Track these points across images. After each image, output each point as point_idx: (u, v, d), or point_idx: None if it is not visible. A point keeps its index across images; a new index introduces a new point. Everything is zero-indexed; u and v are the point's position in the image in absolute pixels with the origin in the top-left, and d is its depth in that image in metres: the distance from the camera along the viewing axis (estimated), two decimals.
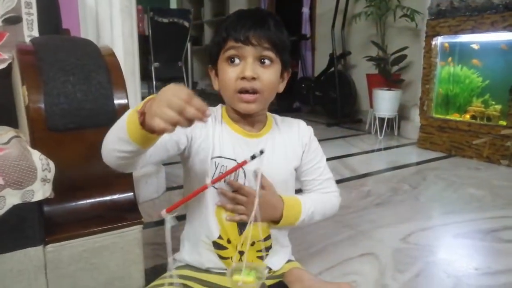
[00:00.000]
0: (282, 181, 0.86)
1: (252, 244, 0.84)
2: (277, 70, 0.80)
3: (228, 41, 0.77)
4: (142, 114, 0.58)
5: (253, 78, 0.75)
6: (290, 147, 0.88)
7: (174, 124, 0.54)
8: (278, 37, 0.77)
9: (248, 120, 0.83)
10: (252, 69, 0.75)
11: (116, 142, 0.64)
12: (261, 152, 0.51)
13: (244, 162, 0.55)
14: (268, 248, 0.87)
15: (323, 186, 0.91)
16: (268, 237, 0.87)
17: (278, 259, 0.90)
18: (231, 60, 0.77)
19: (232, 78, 0.77)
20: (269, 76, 0.78)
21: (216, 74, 0.83)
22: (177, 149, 0.78)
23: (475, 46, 2.37)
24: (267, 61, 0.77)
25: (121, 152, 0.64)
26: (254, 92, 0.77)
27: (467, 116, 2.42)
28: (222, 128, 0.83)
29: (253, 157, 0.54)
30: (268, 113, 0.89)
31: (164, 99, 0.54)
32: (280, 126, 0.89)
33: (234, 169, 0.56)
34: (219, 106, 0.88)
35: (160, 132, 0.56)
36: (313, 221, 0.89)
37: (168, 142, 0.74)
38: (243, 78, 0.75)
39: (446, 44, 2.48)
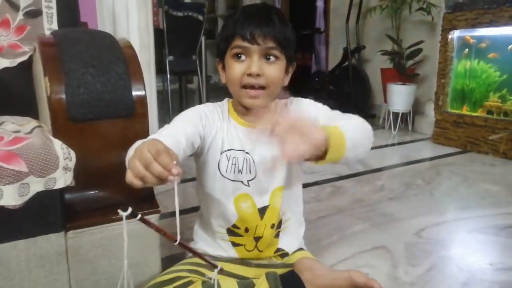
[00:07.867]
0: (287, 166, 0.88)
1: (272, 226, 0.87)
2: (281, 66, 0.81)
3: (234, 39, 0.78)
4: None
5: (258, 75, 0.78)
6: None
7: (141, 179, 0.54)
8: (283, 34, 0.79)
9: (253, 113, 0.85)
10: (257, 66, 0.77)
11: None
12: (124, 210, 0.54)
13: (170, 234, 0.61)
14: (281, 224, 0.90)
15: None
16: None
17: (291, 241, 0.92)
18: (237, 56, 0.79)
19: (238, 73, 0.79)
20: (274, 72, 0.80)
21: (223, 68, 0.85)
22: (193, 149, 0.81)
23: (491, 40, 2.33)
24: (272, 58, 0.79)
25: None
26: (260, 87, 0.79)
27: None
28: (230, 123, 0.86)
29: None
30: (276, 101, 0.88)
31: (138, 151, 0.55)
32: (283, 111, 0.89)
33: (165, 234, 0.61)
34: (226, 100, 0.90)
35: (130, 184, 0.56)
36: (357, 148, 0.72)
37: (186, 147, 0.76)
38: (249, 74, 0.78)
39: (468, 37, 2.43)
